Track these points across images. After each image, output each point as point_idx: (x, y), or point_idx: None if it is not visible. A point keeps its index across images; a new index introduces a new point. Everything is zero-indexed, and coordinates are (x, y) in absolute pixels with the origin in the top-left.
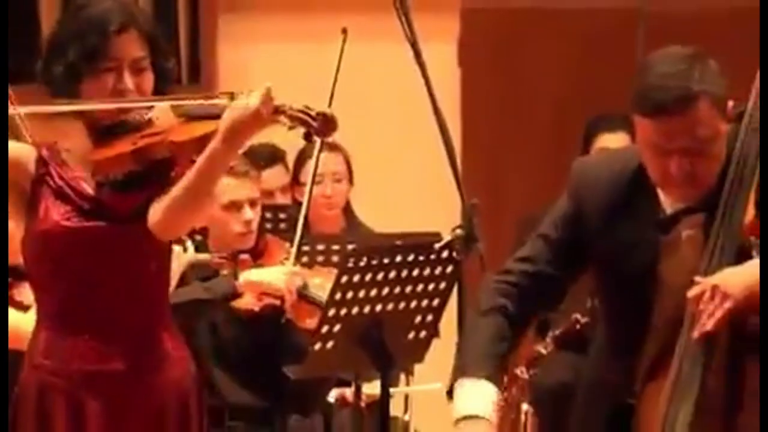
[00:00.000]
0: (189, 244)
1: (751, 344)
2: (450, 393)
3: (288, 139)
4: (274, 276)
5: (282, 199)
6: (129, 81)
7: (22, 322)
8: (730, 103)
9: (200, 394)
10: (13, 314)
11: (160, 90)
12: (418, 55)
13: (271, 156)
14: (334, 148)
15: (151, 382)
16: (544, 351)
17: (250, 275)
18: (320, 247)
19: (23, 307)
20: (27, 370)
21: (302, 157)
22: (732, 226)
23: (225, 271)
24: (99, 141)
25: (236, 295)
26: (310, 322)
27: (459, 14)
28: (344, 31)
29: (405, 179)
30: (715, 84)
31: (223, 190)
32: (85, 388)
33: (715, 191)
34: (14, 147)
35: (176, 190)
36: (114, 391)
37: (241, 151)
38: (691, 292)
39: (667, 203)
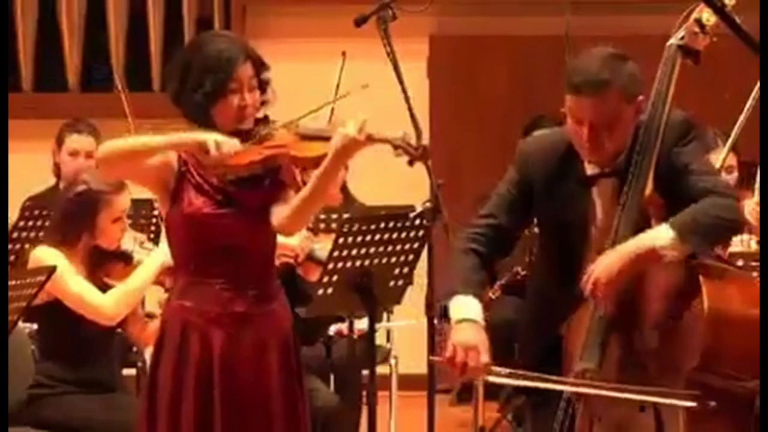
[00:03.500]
0: None
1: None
2: (443, 314)
3: None
4: (292, 239)
5: None
6: (248, 97)
7: (96, 297)
8: (641, 98)
9: (295, 331)
10: (92, 292)
11: (262, 98)
12: (397, 69)
13: None
14: None
15: (262, 322)
16: (493, 296)
17: None
18: (323, 217)
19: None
20: (169, 309)
21: None
22: (637, 192)
23: None
24: None
25: None
26: (315, 277)
27: (428, 40)
28: (344, 53)
29: (388, 164)
30: (625, 77)
31: None
32: (213, 324)
33: (625, 165)
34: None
35: (297, 200)
36: (234, 328)
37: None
38: (582, 282)
39: (589, 168)
